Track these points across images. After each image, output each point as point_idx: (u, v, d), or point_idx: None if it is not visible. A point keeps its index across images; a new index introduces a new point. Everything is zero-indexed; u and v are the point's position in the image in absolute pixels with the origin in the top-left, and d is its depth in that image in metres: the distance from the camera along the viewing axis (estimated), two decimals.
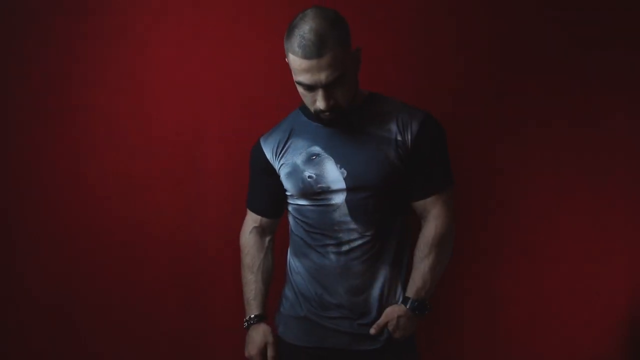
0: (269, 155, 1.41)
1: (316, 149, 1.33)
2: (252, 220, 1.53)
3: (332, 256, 1.36)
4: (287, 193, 1.41)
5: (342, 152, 1.32)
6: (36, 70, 1.76)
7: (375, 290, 1.36)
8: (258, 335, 1.46)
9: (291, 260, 1.46)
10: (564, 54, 1.86)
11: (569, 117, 1.87)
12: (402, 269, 1.39)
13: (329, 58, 1.17)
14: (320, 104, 1.23)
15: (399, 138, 1.32)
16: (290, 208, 1.44)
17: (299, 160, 1.35)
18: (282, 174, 1.39)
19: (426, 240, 1.35)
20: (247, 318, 1.49)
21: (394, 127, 1.33)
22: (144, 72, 1.79)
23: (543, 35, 1.86)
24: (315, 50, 1.17)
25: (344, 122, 1.33)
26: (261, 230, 1.52)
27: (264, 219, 1.51)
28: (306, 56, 1.18)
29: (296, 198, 1.39)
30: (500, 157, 1.87)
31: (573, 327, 1.88)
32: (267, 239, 1.54)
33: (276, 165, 1.40)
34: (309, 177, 1.33)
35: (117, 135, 1.79)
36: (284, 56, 1.80)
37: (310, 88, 1.23)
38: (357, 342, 1.37)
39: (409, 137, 1.32)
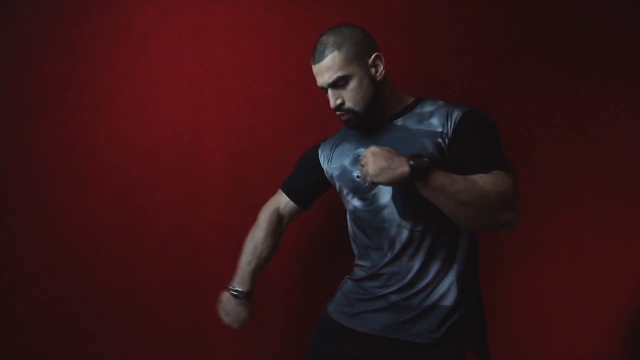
0: (321, 157, 1.53)
1: (362, 150, 1.41)
2: (277, 201, 1.60)
3: (388, 254, 1.37)
4: (344, 194, 1.47)
5: None
6: (36, 70, 1.76)
7: (422, 284, 1.34)
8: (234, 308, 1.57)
9: (357, 260, 1.49)
10: (564, 54, 1.87)
11: (569, 117, 1.87)
12: (457, 264, 1.35)
13: (328, 60, 1.33)
14: (330, 102, 1.36)
15: (441, 130, 1.32)
16: (348, 216, 1.49)
17: (346, 162, 1.44)
18: (334, 175, 1.48)
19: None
20: (233, 287, 1.57)
21: (435, 121, 1.34)
22: (144, 72, 1.79)
23: (543, 35, 1.86)
24: (318, 55, 1.35)
25: (387, 126, 1.39)
26: (280, 214, 1.59)
27: (289, 203, 1.58)
28: (314, 62, 1.37)
29: (351, 198, 1.44)
30: None
31: (573, 327, 1.88)
32: (284, 223, 1.60)
33: (325, 167, 1.52)
34: (357, 177, 1.40)
35: (117, 135, 1.79)
36: (284, 56, 1.81)
37: (324, 90, 1.37)
38: (395, 332, 1.36)
39: (451, 125, 1.32)
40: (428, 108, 1.39)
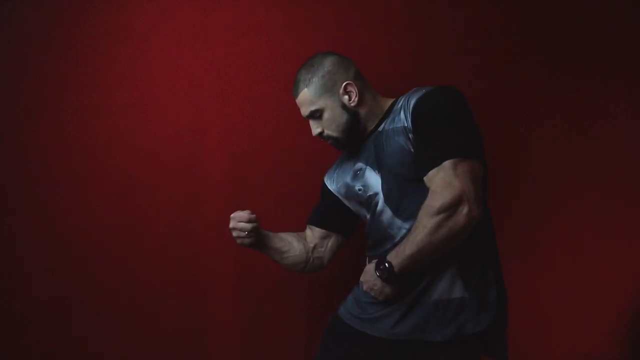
0: (328, 183, 1.58)
1: (359, 164, 1.46)
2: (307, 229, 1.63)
3: None
4: (358, 210, 1.50)
5: (375, 157, 1.41)
6: (36, 70, 1.76)
7: (426, 279, 1.32)
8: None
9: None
10: (564, 54, 1.87)
11: (569, 117, 1.88)
12: (458, 256, 1.31)
13: (301, 97, 1.44)
14: (312, 132, 1.46)
15: (405, 124, 1.33)
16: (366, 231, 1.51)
17: (348, 178, 1.49)
18: (342, 194, 1.53)
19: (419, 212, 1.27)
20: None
21: (402, 115, 1.35)
22: (144, 72, 1.79)
23: (544, 35, 1.86)
24: (294, 91, 1.46)
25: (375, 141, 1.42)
26: (307, 239, 1.60)
27: (314, 228, 1.60)
28: (293, 95, 1.47)
29: (362, 211, 1.48)
30: (500, 158, 1.87)
31: (573, 327, 1.88)
32: (311, 244, 1.58)
33: (333, 189, 1.56)
34: (359, 189, 1.44)
35: (117, 135, 1.79)
36: (284, 56, 1.81)
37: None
38: (408, 333, 1.34)
39: (409, 117, 1.32)
40: (400, 102, 1.40)
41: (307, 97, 1.42)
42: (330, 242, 1.58)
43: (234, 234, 1.45)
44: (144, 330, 1.80)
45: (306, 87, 1.42)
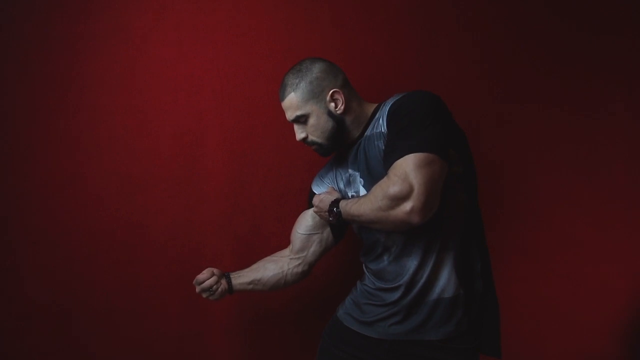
0: (317, 190, 1.56)
1: (350, 171, 1.46)
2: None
3: (386, 260, 1.39)
4: None
5: (361, 165, 1.42)
6: (36, 70, 1.76)
7: (422, 280, 1.34)
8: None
9: (364, 267, 1.52)
10: (565, 54, 1.87)
11: (569, 117, 1.88)
12: (453, 252, 1.33)
13: (287, 101, 1.43)
14: (296, 136, 1.46)
15: (382, 130, 1.35)
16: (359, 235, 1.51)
17: (342, 185, 1.50)
18: None
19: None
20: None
21: (381, 121, 1.37)
22: (144, 72, 1.79)
23: (544, 35, 1.86)
24: (281, 94, 1.45)
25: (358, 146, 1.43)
26: (287, 251, 1.61)
27: (296, 235, 1.59)
28: (279, 98, 1.46)
29: None
30: (500, 157, 1.88)
31: (573, 327, 1.89)
32: (288, 257, 1.59)
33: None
34: (352, 196, 1.44)
35: (117, 135, 1.79)
36: (284, 56, 1.81)
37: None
38: (407, 334, 1.36)
39: (385, 123, 1.33)
40: (381, 108, 1.40)
41: (294, 101, 1.41)
42: (314, 247, 1.57)
43: (204, 296, 1.53)
44: (143, 331, 1.81)
45: (293, 91, 1.41)
